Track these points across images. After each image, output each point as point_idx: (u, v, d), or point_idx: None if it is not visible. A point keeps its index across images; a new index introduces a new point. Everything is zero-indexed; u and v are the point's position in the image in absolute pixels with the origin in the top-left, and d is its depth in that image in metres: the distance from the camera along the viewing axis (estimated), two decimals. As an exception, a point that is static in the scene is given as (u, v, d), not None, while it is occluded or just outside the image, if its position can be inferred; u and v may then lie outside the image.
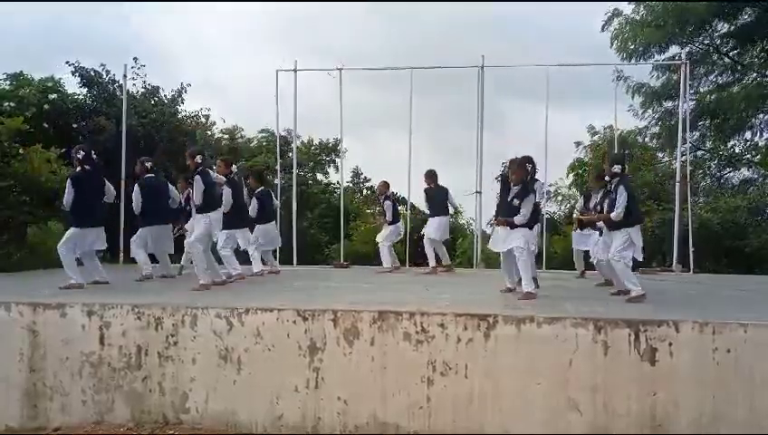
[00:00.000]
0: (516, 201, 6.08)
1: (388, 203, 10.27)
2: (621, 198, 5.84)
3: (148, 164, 8.13)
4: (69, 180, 6.77)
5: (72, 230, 6.75)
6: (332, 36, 39.34)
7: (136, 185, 8.07)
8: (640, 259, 6.08)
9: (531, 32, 37.39)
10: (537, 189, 6.70)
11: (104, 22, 38.49)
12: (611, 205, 5.96)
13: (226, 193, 7.66)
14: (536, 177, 6.81)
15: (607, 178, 6.24)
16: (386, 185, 10.46)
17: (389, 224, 10.19)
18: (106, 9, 39.12)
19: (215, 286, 6.71)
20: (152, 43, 39.63)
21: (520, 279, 6.11)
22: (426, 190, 9.77)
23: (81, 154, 6.84)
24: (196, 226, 6.99)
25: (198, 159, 7.04)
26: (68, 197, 6.70)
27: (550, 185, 19.25)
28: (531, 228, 6.17)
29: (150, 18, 39.95)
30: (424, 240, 9.79)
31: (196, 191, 6.95)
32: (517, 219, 5.98)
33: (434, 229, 9.70)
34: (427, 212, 10.27)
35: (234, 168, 8.12)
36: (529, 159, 6.37)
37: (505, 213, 6.17)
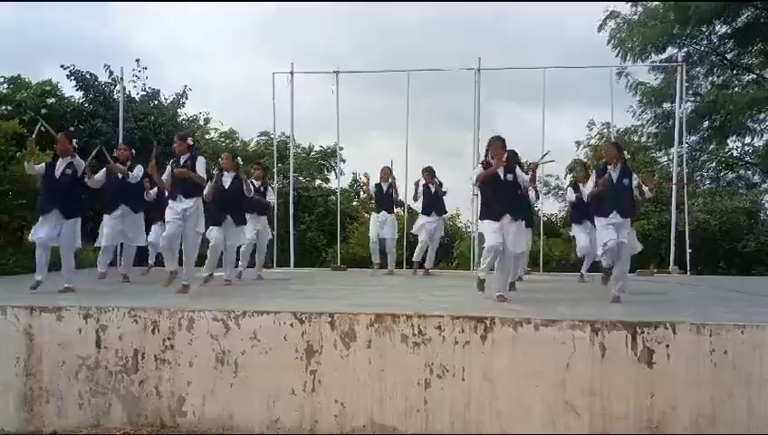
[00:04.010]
0: (510, 176, 5.84)
1: (395, 190, 9.93)
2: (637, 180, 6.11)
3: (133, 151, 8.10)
4: (87, 165, 6.65)
5: (78, 221, 6.51)
6: (325, 38, 39.38)
7: (139, 167, 7.83)
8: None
9: (527, 34, 37.50)
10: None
11: (96, 23, 38.46)
12: (629, 188, 6.05)
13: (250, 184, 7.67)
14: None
15: (609, 163, 6.12)
16: (390, 171, 9.89)
17: (390, 213, 9.91)
18: (99, 11, 39.11)
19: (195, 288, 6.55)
20: (147, 46, 39.56)
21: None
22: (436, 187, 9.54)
23: (75, 142, 6.70)
24: (200, 218, 6.63)
25: (190, 140, 6.73)
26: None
27: (551, 176, 19.24)
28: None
29: (145, 20, 39.95)
30: (433, 240, 9.58)
31: (200, 171, 6.52)
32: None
33: (442, 228, 9.73)
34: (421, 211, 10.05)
35: (239, 159, 8.02)
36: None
37: (505, 196, 5.86)
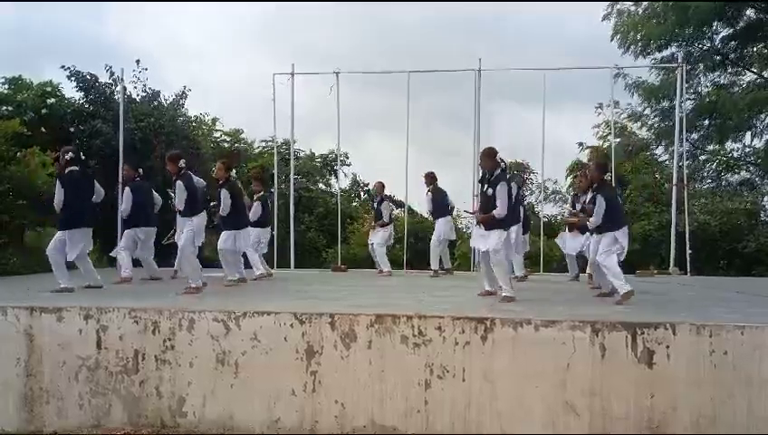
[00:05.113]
0: (490, 190, 6.13)
1: (385, 204, 10.35)
2: (600, 207, 6.19)
3: (140, 170, 8.45)
4: (58, 181, 6.74)
5: (61, 232, 6.69)
6: (325, 38, 39.38)
7: (127, 188, 8.33)
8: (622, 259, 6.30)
9: (527, 34, 37.51)
10: (513, 185, 6.65)
11: (96, 24, 38.45)
12: (593, 210, 6.32)
13: (225, 196, 7.68)
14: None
15: (592, 184, 6.68)
16: (382, 186, 10.49)
17: (384, 226, 10.25)
18: (99, 11, 39.15)
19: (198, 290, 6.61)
20: (147, 46, 39.57)
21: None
22: (433, 192, 9.81)
23: (69, 155, 6.81)
24: (180, 230, 7.07)
25: (182, 163, 6.99)
26: (58, 197, 6.63)
27: (550, 180, 19.35)
28: (506, 229, 6.21)
29: (145, 20, 39.94)
30: (432, 243, 9.81)
31: (178, 197, 6.92)
32: (496, 212, 6.05)
33: (445, 231, 9.80)
34: (425, 215, 10.28)
35: (233, 172, 8.13)
36: (496, 151, 6.36)
37: (483, 208, 6.26)
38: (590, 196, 6.76)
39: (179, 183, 6.91)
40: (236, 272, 7.91)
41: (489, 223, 6.13)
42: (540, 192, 15.72)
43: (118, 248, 8.37)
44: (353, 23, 39.86)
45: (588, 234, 7.45)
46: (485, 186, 6.25)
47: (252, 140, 20.61)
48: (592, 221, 6.29)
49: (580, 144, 20.46)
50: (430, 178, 9.91)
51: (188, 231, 6.86)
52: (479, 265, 6.59)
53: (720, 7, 16.60)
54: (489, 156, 6.26)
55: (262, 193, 9.09)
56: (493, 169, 6.22)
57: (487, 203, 6.17)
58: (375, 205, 10.53)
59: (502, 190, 6.09)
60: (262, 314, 4.83)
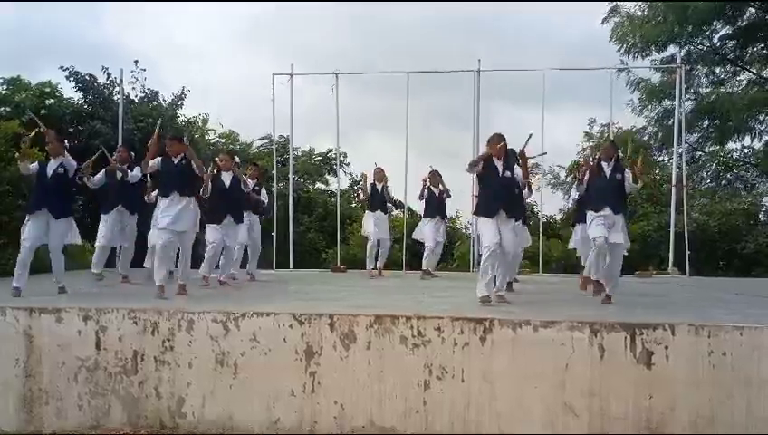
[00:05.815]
0: (508, 173, 5.79)
1: (389, 190, 10.00)
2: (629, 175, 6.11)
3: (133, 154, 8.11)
4: (75, 169, 6.54)
5: (66, 221, 6.44)
6: (325, 38, 39.32)
7: (138, 168, 7.77)
8: None
9: (527, 34, 37.48)
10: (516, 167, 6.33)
11: (96, 24, 38.40)
12: (621, 184, 6.13)
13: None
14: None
15: (604, 159, 6.32)
16: (382, 170, 9.94)
17: (387, 213, 10.06)
18: (98, 11, 39.08)
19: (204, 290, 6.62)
20: (147, 46, 39.48)
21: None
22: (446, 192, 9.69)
23: (67, 143, 6.66)
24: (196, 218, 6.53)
25: (186, 140, 6.66)
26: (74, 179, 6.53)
27: (561, 167, 19.39)
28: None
29: (145, 20, 39.86)
30: (438, 244, 9.76)
31: (198, 168, 6.48)
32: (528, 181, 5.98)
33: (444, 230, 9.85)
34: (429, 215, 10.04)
35: (237, 158, 8.07)
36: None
37: (503, 192, 5.81)
38: (609, 170, 6.18)
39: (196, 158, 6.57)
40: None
41: (521, 210, 5.93)
42: (540, 190, 15.70)
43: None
44: (353, 23, 39.76)
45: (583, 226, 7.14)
46: (503, 169, 5.80)
47: (250, 141, 20.61)
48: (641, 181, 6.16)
49: (587, 133, 20.54)
50: (440, 176, 9.65)
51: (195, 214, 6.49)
52: (486, 264, 5.90)
53: (720, 7, 16.60)
54: (501, 138, 5.83)
55: (257, 180, 8.95)
56: (501, 154, 5.84)
57: (511, 184, 5.83)
58: (379, 191, 9.77)
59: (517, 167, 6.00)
60: (261, 315, 4.83)
